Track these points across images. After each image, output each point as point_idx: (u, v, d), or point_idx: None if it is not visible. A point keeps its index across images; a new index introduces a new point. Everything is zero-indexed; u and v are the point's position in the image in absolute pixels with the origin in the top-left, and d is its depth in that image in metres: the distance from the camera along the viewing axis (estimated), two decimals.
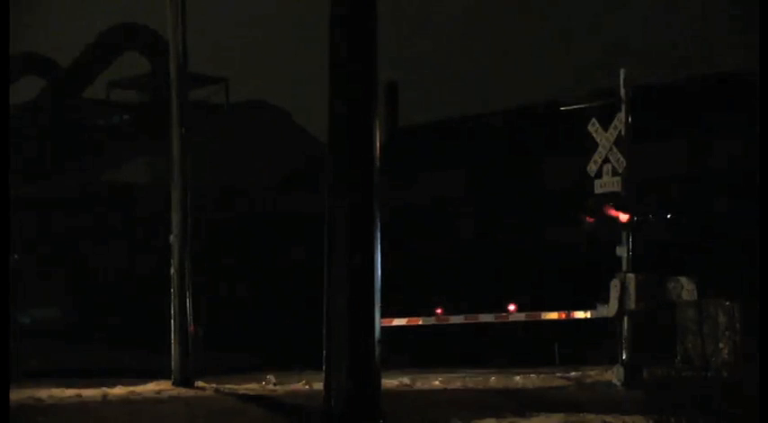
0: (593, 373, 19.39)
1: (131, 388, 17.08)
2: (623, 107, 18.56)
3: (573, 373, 19.68)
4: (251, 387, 18.08)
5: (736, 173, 33.44)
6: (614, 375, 18.05)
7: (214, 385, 18.05)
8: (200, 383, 18.13)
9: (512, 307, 27.43)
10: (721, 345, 16.89)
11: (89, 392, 16.38)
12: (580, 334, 25.24)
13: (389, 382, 17.00)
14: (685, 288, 18.30)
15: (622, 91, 18.60)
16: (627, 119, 18.54)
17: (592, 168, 18.80)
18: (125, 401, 15.67)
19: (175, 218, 18.36)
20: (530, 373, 19.75)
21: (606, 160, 18.64)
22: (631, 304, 18.01)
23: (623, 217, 18.21)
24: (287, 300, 39.95)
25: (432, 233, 42.67)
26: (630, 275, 18.13)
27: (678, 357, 16.85)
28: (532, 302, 28.31)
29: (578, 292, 22.72)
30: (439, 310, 30.20)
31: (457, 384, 18.43)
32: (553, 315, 20.36)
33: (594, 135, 18.80)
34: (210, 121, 46.45)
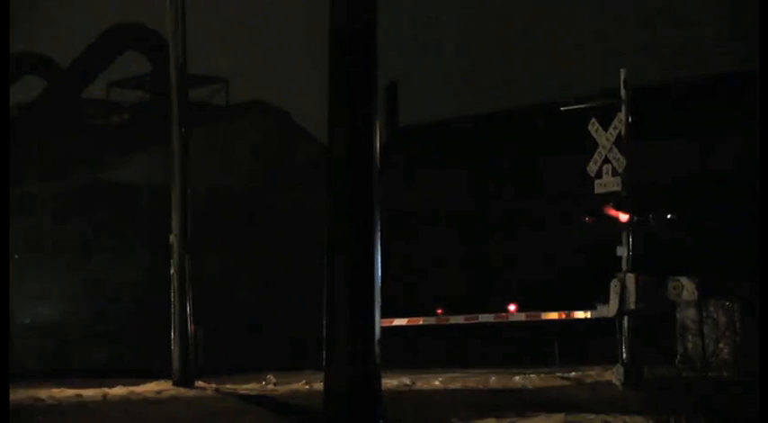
0: (594, 373, 19.38)
1: (131, 388, 17.09)
2: (623, 107, 18.54)
3: (573, 374, 19.66)
4: (251, 387, 18.07)
5: (737, 173, 33.43)
6: (614, 375, 18.03)
7: (214, 385, 18.06)
8: (200, 383, 18.14)
9: (512, 307, 27.39)
10: (721, 345, 16.84)
11: (89, 392, 16.39)
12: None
13: (389, 382, 16.99)
14: (685, 288, 18.29)
15: (622, 91, 18.58)
16: (627, 119, 18.52)
17: (592, 168, 18.78)
18: (125, 401, 15.68)
19: (175, 218, 18.36)
20: (530, 373, 19.73)
21: (606, 160, 18.62)
22: (631, 304, 17.98)
23: (623, 217, 18.20)
24: (286, 299, 39.91)
25: (431, 233, 42.62)
26: (630, 275, 18.11)
27: (678, 357, 16.82)
28: (534, 303, 28.26)
29: (580, 292, 22.70)
30: (440, 311, 30.16)
31: (457, 384, 18.42)
32: (553, 315, 20.34)
33: (594, 135, 18.78)
34: (210, 121, 46.41)
